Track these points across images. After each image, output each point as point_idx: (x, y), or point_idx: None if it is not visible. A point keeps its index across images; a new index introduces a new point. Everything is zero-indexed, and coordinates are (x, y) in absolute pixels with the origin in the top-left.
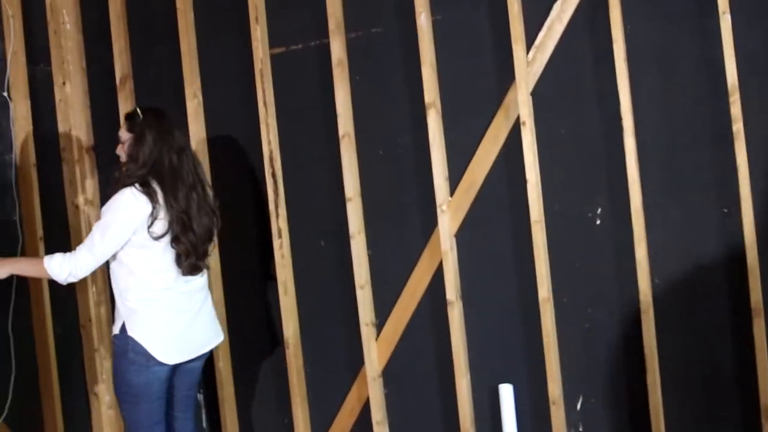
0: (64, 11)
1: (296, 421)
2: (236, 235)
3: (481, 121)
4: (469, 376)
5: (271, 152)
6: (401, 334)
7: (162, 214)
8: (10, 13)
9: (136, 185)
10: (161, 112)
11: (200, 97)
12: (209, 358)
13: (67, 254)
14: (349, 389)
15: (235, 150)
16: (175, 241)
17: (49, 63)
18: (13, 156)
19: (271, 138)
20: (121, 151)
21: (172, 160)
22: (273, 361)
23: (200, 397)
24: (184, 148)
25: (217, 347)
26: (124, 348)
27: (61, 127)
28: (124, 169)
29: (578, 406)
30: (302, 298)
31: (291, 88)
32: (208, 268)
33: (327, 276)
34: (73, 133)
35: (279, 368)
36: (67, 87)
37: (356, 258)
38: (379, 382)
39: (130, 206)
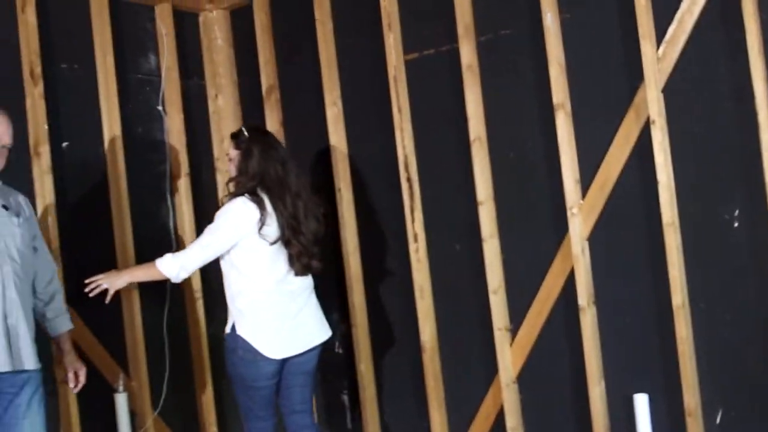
0: (216, 27)
1: (433, 425)
2: (375, 240)
3: (611, 121)
4: (603, 385)
5: (405, 157)
6: (535, 340)
7: (270, 221)
8: (163, 31)
9: (246, 195)
10: (264, 130)
11: (340, 105)
12: (351, 361)
13: (177, 252)
14: (485, 394)
15: (372, 156)
16: (287, 244)
17: (202, 77)
18: (168, 166)
19: (406, 143)
20: (231, 167)
21: (277, 171)
22: (412, 365)
23: (345, 398)
24: (287, 160)
25: (329, 344)
26: (234, 345)
27: (215, 138)
28: (234, 182)
29: (718, 420)
30: (439, 302)
31: (425, 93)
32: (318, 269)
33: (462, 280)
34: (226, 143)
35: (418, 372)
36: (220, 99)
37: (489, 262)
38: (514, 388)
39: (240, 212)
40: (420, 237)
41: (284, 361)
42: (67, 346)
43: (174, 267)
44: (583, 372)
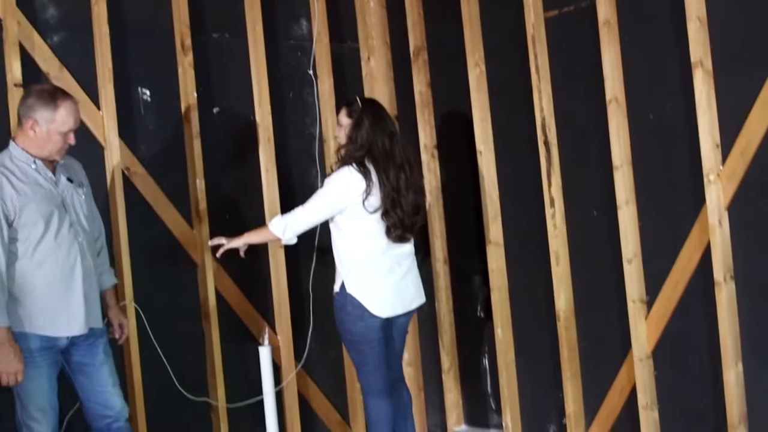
0: None
1: (566, 395)
2: (515, 204)
3: (755, 80)
4: (739, 368)
5: (543, 119)
6: (671, 314)
7: (374, 191)
8: None
9: (354, 164)
10: (376, 102)
11: (482, 67)
12: (491, 325)
13: (285, 214)
14: (619, 367)
15: (512, 117)
16: (385, 215)
17: (355, 40)
18: (318, 129)
19: (544, 105)
20: (340, 134)
21: (384, 144)
22: (549, 333)
23: (485, 362)
24: (395, 132)
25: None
26: (343, 302)
27: None
28: (343, 150)
29: None
30: (575, 269)
31: (564, 52)
32: (414, 238)
33: (599, 248)
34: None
35: (554, 340)
36: (372, 62)
37: (624, 229)
38: (648, 363)
39: (347, 181)
40: (557, 202)
41: (388, 319)
42: (112, 300)
43: (281, 228)
44: (720, 352)
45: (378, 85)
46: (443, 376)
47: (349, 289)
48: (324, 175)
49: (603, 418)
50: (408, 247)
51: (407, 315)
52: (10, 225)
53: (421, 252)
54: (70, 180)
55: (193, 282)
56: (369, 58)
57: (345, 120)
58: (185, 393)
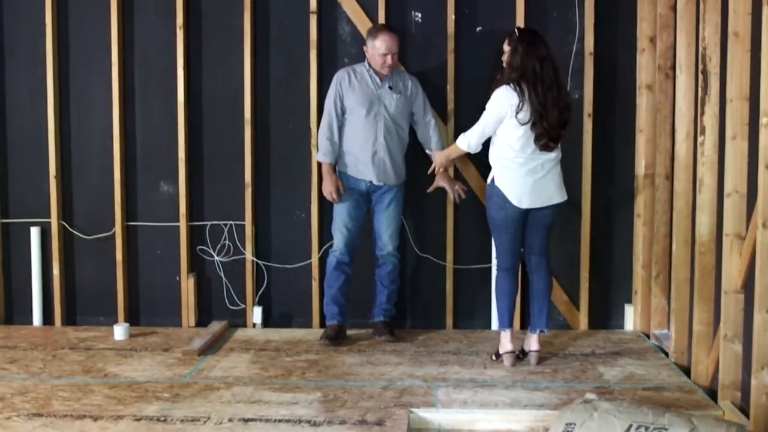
0: None
1: (695, 316)
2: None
3: None
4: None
5: (704, 48)
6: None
7: (525, 107)
8: None
9: (510, 84)
10: (533, 31)
11: None
12: None
13: (467, 132)
14: None
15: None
16: (533, 127)
17: None
18: (575, 45)
19: (707, 34)
20: (503, 59)
21: (535, 67)
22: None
23: None
24: (546, 58)
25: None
26: (492, 193)
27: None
28: (502, 72)
29: None
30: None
31: None
32: (558, 148)
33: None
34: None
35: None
36: None
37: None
38: (735, 297)
39: (504, 98)
40: (708, 130)
41: (527, 211)
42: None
43: (465, 143)
44: None
45: (643, 5)
46: (651, 282)
47: (497, 183)
48: (583, 92)
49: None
50: (552, 155)
51: (547, 209)
52: (342, 103)
53: None
54: (390, 87)
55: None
56: None
57: (506, 47)
58: (416, 249)
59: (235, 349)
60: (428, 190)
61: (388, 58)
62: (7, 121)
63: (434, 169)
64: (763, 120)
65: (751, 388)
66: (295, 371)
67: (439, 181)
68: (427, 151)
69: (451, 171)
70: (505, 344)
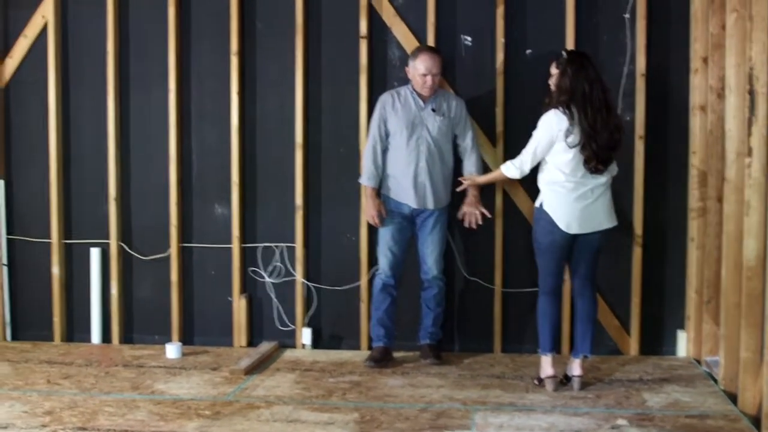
0: None
1: (742, 343)
2: None
3: None
4: None
5: (751, 68)
6: None
7: (576, 130)
8: None
9: (560, 107)
10: (581, 53)
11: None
12: None
13: (515, 159)
14: None
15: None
16: (582, 149)
17: None
18: (627, 66)
19: (754, 53)
20: (551, 82)
21: (584, 89)
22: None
23: None
24: (595, 80)
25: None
26: (540, 217)
27: (692, 38)
28: (552, 95)
29: None
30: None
31: None
32: (609, 171)
33: None
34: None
35: None
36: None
37: None
38: None
39: (553, 122)
40: (755, 152)
41: (575, 236)
42: (470, 191)
43: (514, 171)
44: None
45: (698, 26)
46: (703, 307)
47: (545, 207)
48: (634, 113)
49: None
50: (603, 179)
51: (595, 234)
52: (386, 126)
53: None
54: (433, 110)
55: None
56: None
57: (554, 70)
58: (464, 272)
59: (281, 369)
60: (459, 216)
61: (428, 78)
62: (71, 146)
63: (466, 185)
64: None
65: None
66: (336, 392)
67: (465, 207)
68: (461, 178)
69: (498, 199)
70: (546, 369)
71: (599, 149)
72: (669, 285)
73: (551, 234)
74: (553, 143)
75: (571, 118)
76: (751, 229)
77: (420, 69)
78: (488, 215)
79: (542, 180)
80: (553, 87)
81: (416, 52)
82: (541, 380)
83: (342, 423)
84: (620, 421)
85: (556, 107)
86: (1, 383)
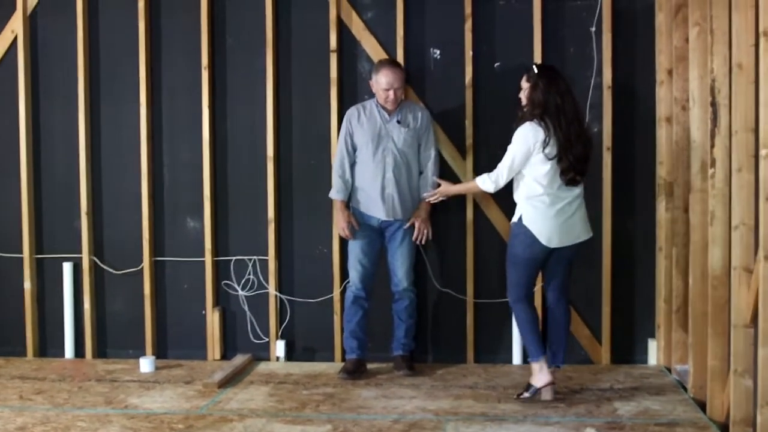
0: None
1: (710, 351)
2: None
3: None
4: None
5: (713, 81)
6: None
7: (552, 141)
8: None
9: (534, 120)
10: (552, 67)
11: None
12: None
13: (491, 173)
14: None
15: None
16: (560, 161)
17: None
18: (593, 79)
19: (715, 66)
20: (522, 96)
21: (557, 102)
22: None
23: None
24: (566, 92)
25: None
26: (519, 231)
27: (657, 52)
28: (525, 109)
29: None
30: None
31: None
32: (582, 183)
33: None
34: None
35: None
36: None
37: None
38: (744, 332)
39: (530, 134)
40: (717, 163)
41: (552, 250)
42: (421, 205)
43: (489, 185)
44: None
45: (662, 39)
46: (672, 316)
47: (525, 222)
48: (601, 124)
49: None
50: (577, 191)
51: (573, 246)
52: (352, 140)
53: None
54: (398, 122)
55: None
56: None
57: (525, 84)
58: (436, 284)
59: (255, 382)
60: (405, 226)
61: (390, 93)
62: (41, 160)
63: (431, 195)
64: (762, 152)
65: (758, 424)
66: (309, 404)
67: (417, 221)
68: (432, 182)
69: (469, 211)
70: (543, 376)
71: (575, 161)
72: (639, 294)
73: (530, 248)
74: (530, 155)
75: (546, 129)
76: (715, 239)
77: (382, 84)
78: (429, 238)
79: (520, 195)
80: (524, 100)
81: (378, 67)
82: (537, 390)
83: None
84: (588, 430)
85: (530, 120)
86: None
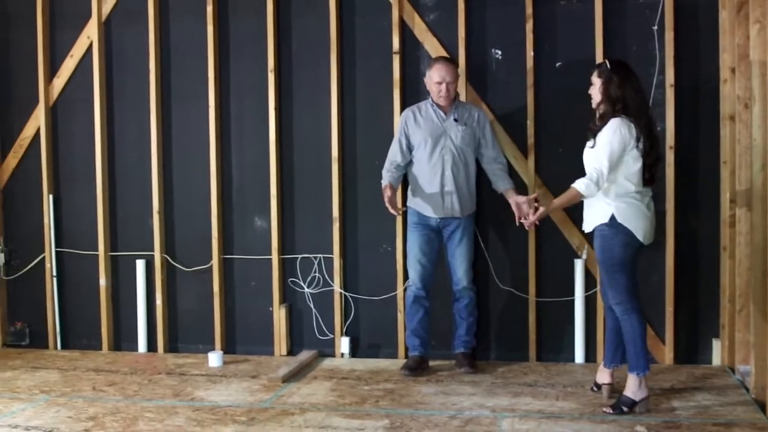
0: None
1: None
2: None
3: None
4: None
5: None
6: None
7: (642, 137)
8: None
9: (622, 116)
10: (623, 62)
11: None
12: None
13: (585, 177)
14: None
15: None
16: (646, 155)
17: None
18: (656, 77)
19: None
20: (594, 92)
21: (632, 96)
22: None
23: None
24: (639, 89)
25: None
26: (615, 231)
27: (721, 48)
28: (602, 106)
29: None
30: None
31: None
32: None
33: None
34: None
35: None
36: (722, 13)
37: None
38: None
39: (623, 130)
40: None
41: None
42: (509, 194)
43: (593, 188)
44: None
45: (727, 36)
46: (736, 316)
47: (620, 220)
48: (657, 120)
49: None
50: (650, 189)
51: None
52: (408, 141)
53: None
54: (455, 120)
55: None
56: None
57: (596, 80)
58: (498, 282)
59: (318, 377)
60: (527, 226)
61: (443, 87)
62: (115, 161)
63: (531, 223)
64: None
65: None
66: (369, 399)
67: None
68: (517, 198)
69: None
70: (642, 391)
71: (659, 157)
72: (703, 294)
73: (629, 246)
74: (624, 152)
75: (637, 125)
76: None
77: (434, 78)
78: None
79: (611, 192)
80: (598, 96)
81: (431, 63)
82: (634, 403)
83: (372, 429)
84: (639, 428)
85: (615, 116)
86: (50, 390)
